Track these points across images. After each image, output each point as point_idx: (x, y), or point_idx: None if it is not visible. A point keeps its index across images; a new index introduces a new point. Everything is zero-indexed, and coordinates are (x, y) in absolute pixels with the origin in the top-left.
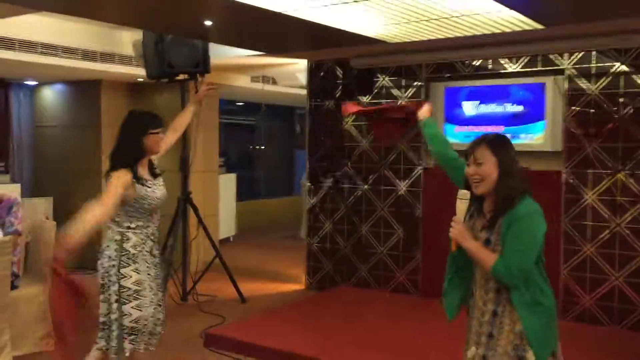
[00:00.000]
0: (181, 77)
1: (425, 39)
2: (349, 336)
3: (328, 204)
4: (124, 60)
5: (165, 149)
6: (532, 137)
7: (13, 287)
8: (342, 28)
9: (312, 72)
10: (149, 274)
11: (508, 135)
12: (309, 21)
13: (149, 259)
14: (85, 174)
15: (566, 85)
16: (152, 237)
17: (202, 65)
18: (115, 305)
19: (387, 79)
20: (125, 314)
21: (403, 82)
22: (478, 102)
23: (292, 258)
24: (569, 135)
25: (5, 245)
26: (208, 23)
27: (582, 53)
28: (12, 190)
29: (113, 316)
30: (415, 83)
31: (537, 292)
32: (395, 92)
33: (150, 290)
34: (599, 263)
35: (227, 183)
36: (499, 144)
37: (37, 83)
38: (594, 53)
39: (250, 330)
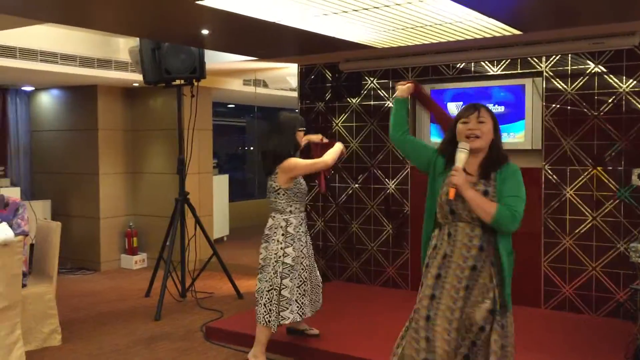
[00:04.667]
0: (178, 82)
1: (411, 44)
2: (341, 325)
3: (319, 203)
4: (120, 66)
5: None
6: (513, 136)
7: (22, 285)
8: (333, 35)
9: (302, 75)
10: (302, 252)
11: None
12: (301, 29)
13: (303, 238)
14: (82, 176)
15: (544, 86)
16: (305, 220)
17: (198, 70)
18: (277, 280)
19: (375, 81)
20: (284, 287)
21: (390, 84)
22: (462, 103)
23: None
24: (548, 134)
25: (18, 245)
26: (205, 32)
27: (559, 56)
28: (12, 194)
29: (275, 289)
30: None
31: (510, 241)
32: (382, 93)
33: (300, 265)
34: (577, 254)
35: (220, 184)
36: (493, 113)
37: (33, 88)
38: (569, 56)
39: (249, 322)
